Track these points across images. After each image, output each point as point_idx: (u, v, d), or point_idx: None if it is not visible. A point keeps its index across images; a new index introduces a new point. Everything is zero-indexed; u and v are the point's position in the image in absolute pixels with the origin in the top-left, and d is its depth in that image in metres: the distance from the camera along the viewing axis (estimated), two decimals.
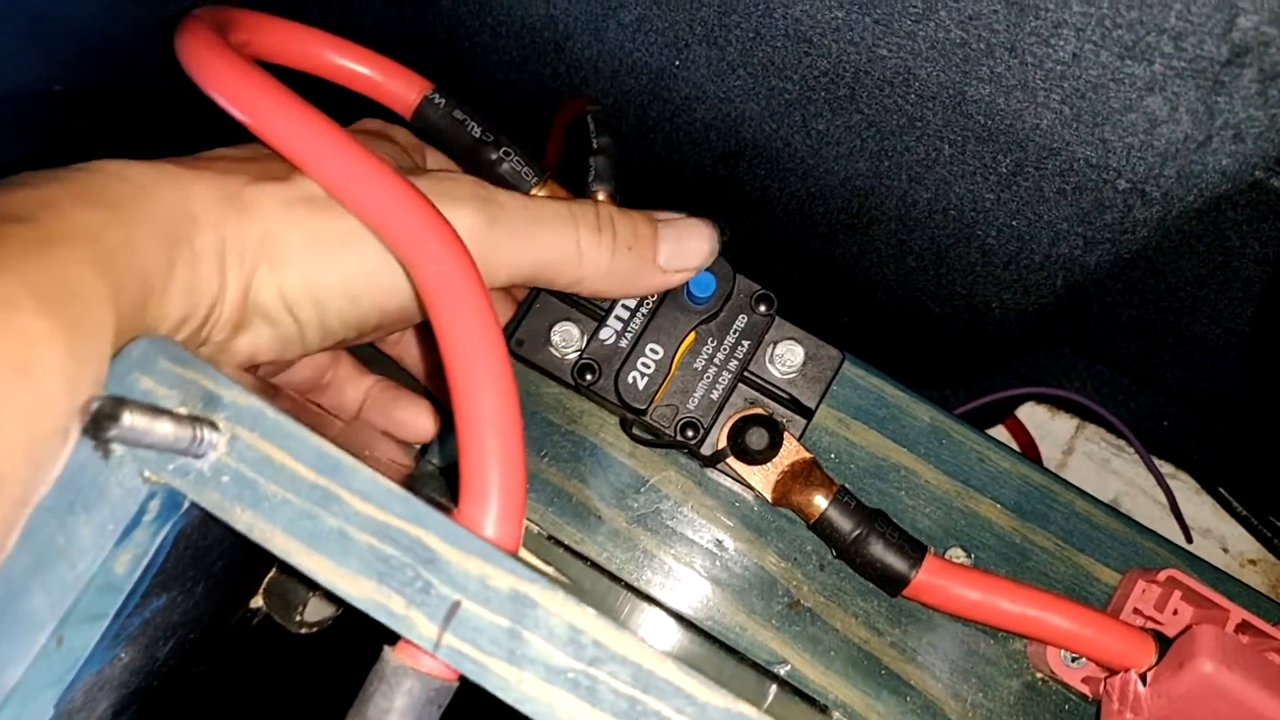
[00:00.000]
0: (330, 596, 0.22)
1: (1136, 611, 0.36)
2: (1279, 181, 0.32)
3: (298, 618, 0.32)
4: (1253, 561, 0.57)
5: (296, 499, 0.21)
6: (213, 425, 0.21)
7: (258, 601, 0.32)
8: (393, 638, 0.22)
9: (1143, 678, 0.32)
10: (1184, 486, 0.59)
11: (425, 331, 0.27)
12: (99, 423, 0.18)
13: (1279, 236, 0.36)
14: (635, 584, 0.37)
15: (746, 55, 0.32)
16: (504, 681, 0.21)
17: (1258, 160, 0.26)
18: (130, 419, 0.18)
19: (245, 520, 0.21)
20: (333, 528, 0.21)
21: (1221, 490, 0.57)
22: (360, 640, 0.35)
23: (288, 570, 0.27)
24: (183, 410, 0.21)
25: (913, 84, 0.29)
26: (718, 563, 0.37)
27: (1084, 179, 0.29)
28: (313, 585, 0.32)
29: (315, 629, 0.33)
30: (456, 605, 0.21)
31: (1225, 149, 0.25)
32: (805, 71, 0.31)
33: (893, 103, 0.30)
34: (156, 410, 0.19)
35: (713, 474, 0.38)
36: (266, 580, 0.32)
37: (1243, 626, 0.34)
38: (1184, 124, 0.25)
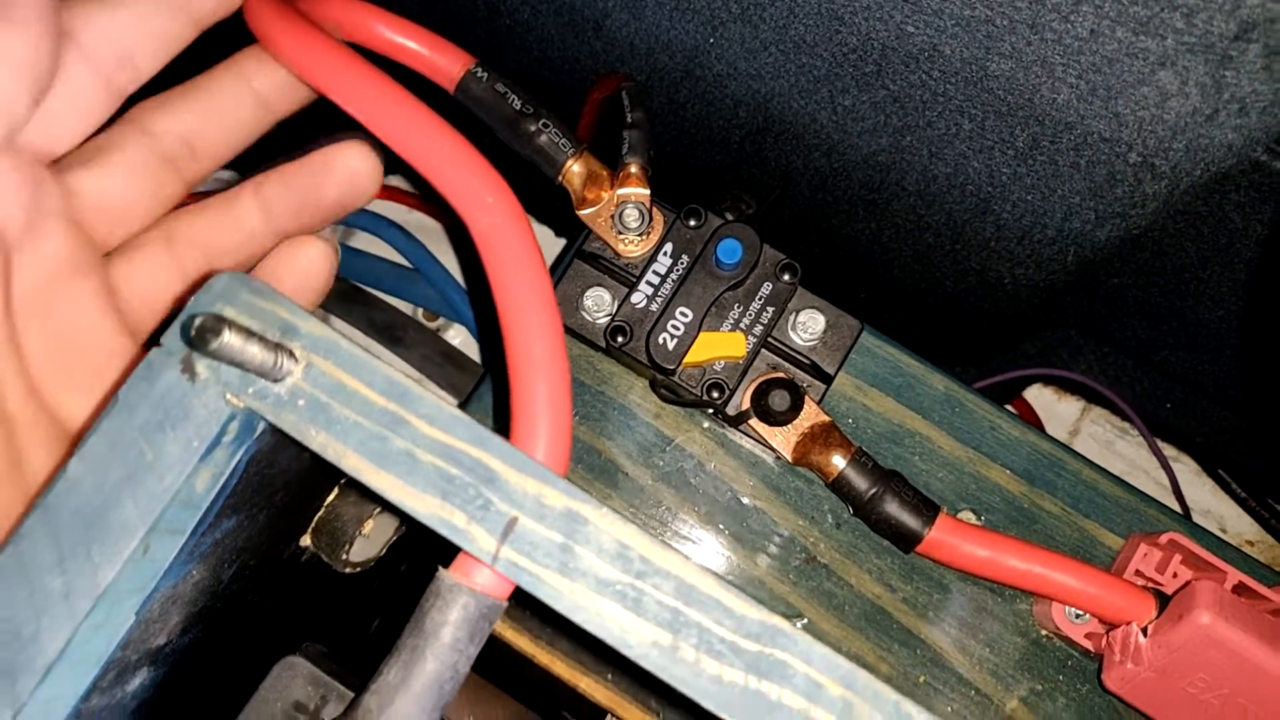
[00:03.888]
0: (394, 511, 0.24)
1: (1138, 573, 0.37)
2: None
3: (344, 557, 0.34)
4: (1250, 543, 0.59)
5: (367, 422, 0.23)
6: (290, 353, 0.23)
7: (306, 540, 0.34)
8: (445, 560, 0.24)
9: (1144, 631, 0.34)
10: (1185, 469, 0.60)
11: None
12: (202, 336, 0.19)
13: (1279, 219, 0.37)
14: (659, 539, 0.39)
15: (779, 33, 0.33)
16: (556, 592, 0.22)
17: (1260, 135, 0.27)
18: (229, 336, 0.20)
19: (319, 441, 0.23)
20: (400, 449, 0.23)
21: (1221, 472, 0.59)
22: (401, 581, 0.37)
23: (357, 489, 0.28)
24: (267, 336, 0.23)
25: (937, 60, 0.30)
26: (738, 519, 0.39)
27: (1097, 153, 0.30)
28: (378, 504, 0.34)
29: (359, 569, 0.34)
30: (514, 521, 0.22)
31: (1231, 123, 0.27)
32: (835, 48, 0.33)
33: (917, 79, 0.32)
34: (249, 333, 0.21)
35: (735, 435, 0.39)
36: (316, 520, 0.33)
37: (1239, 588, 0.36)
38: (1193, 98, 0.26)
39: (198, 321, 0.20)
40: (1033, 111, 0.30)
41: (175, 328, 0.23)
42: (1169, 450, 0.61)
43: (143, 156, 0.30)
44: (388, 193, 0.60)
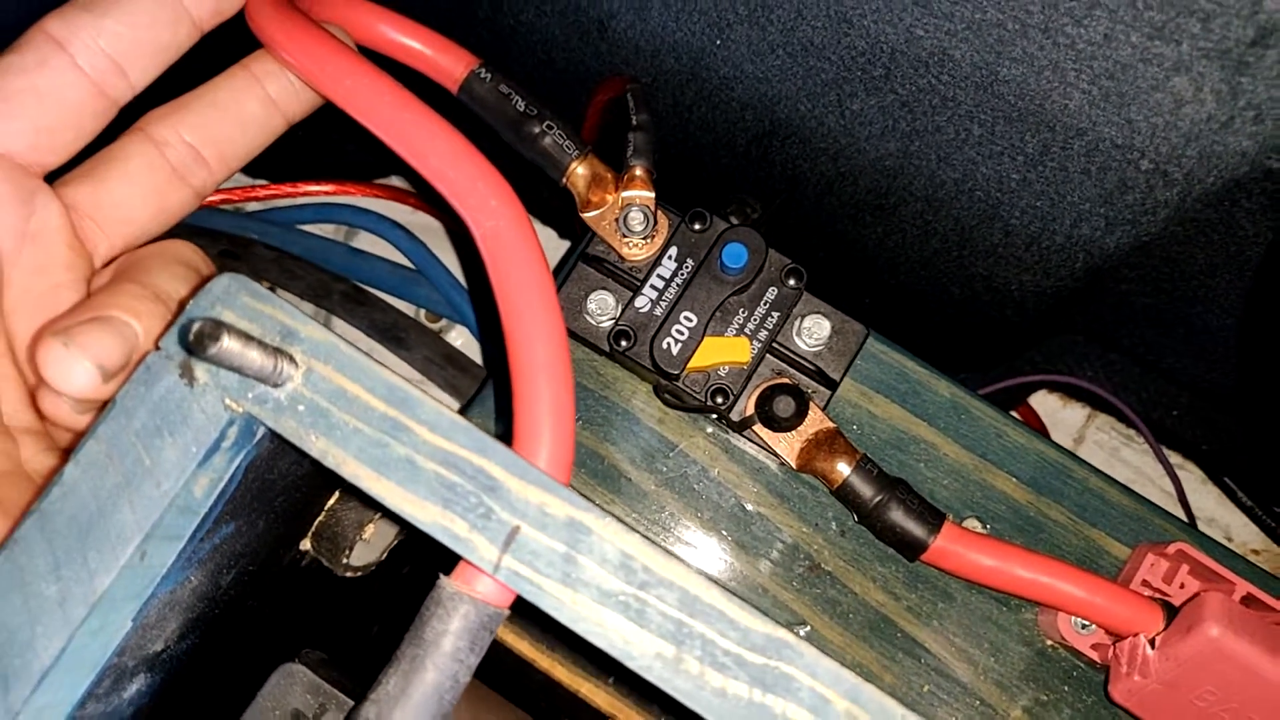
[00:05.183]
0: (394, 518, 0.23)
1: (1145, 583, 0.37)
2: None
3: (344, 561, 0.33)
4: (1256, 551, 0.59)
5: (368, 428, 0.23)
6: (290, 358, 0.23)
7: (306, 545, 0.33)
8: (446, 569, 0.24)
9: (1151, 642, 0.33)
10: (1191, 477, 0.60)
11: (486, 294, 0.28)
12: (200, 341, 0.19)
13: None
14: (661, 544, 0.38)
15: (787, 35, 0.33)
16: (558, 602, 0.22)
17: (1276, 142, 0.27)
18: (228, 341, 0.20)
19: (319, 447, 0.23)
20: (401, 455, 0.22)
21: (1227, 480, 0.58)
22: (402, 585, 0.37)
23: (357, 495, 0.28)
24: (267, 341, 0.22)
25: (947, 64, 0.30)
26: (741, 526, 0.38)
27: (1109, 159, 0.30)
28: (376, 510, 0.34)
29: (360, 573, 0.34)
30: (516, 530, 0.22)
31: (1246, 130, 0.26)
32: (843, 52, 0.32)
33: (926, 83, 0.32)
34: (248, 337, 0.20)
35: (738, 441, 0.39)
36: (316, 524, 0.33)
37: (1248, 600, 0.35)
38: (1208, 104, 0.26)
39: (195, 326, 0.19)
40: (1043, 117, 0.30)
41: (173, 331, 0.22)
42: (1175, 458, 0.60)
43: (147, 167, 0.30)
44: (391, 193, 0.60)
